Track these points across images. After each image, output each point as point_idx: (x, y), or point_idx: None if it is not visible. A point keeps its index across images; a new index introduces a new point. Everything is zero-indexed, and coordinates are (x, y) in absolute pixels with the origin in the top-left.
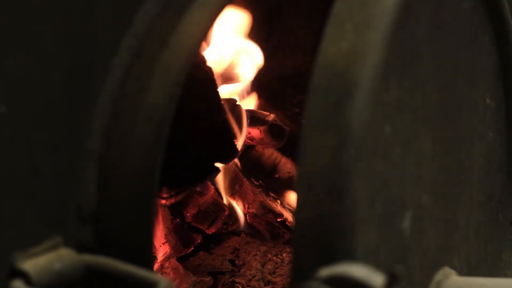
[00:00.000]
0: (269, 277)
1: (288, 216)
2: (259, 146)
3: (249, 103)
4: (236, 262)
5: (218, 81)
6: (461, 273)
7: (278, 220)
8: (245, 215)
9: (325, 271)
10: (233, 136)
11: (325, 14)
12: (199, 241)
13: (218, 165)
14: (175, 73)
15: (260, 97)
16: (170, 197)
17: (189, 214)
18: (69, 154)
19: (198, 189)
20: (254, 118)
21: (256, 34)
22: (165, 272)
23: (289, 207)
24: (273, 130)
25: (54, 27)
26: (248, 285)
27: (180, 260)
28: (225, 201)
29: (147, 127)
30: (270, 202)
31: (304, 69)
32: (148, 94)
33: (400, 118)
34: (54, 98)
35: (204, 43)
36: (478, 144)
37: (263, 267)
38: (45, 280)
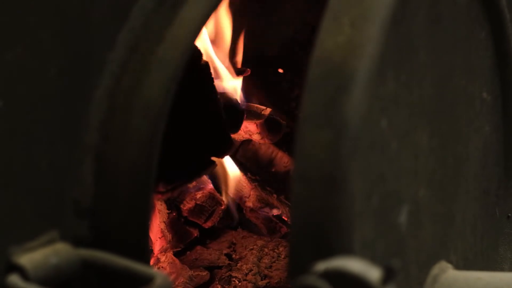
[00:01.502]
0: (266, 271)
1: (285, 210)
2: (255, 140)
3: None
4: (233, 256)
5: (213, 75)
6: (458, 267)
7: (275, 214)
8: (241, 209)
9: (322, 265)
10: (229, 130)
11: (322, 7)
12: (195, 235)
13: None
14: (171, 68)
15: (256, 91)
16: (167, 191)
17: (185, 208)
18: (66, 148)
19: (194, 183)
20: (250, 112)
21: (251, 28)
22: (162, 267)
23: (285, 201)
24: (269, 124)
25: (51, 22)
26: (245, 279)
27: (177, 254)
28: (223, 196)
29: (144, 121)
30: (266, 196)
31: (301, 62)
32: (144, 88)
33: (397, 112)
34: (51, 93)
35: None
36: (475, 138)
37: (259, 262)
38: (42, 275)
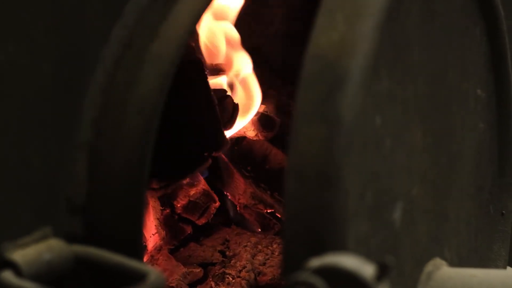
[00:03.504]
0: (260, 268)
1: (279, 207)
2: (249, 137)
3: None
4: (227, 253)
5: (208, 72)
6: (452, 264)
7: (269, 211)
8: (235, 206)
9: (316, 262)
10: (222, 127)
11: (316, 3)
12: (189, 232)
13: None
14: (165, 64)
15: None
16: (160, 188)
17: (179, 205)
18: (59, 145)
19: (188, 180)
20: None
21: (244, 24)
22: (156, 263)
23: (279, 198)
24: (263, 121)
25: (44, 18)
26: (239, 276)
27: (171, 251)
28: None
29: (137, 118)
30: (260, 193)
31: (295, 59)
32: (138, 85)
33: (391, 109)
34: (44, 89)
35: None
36: (469, 136)
37: (253, 258)
38: (35, 271)
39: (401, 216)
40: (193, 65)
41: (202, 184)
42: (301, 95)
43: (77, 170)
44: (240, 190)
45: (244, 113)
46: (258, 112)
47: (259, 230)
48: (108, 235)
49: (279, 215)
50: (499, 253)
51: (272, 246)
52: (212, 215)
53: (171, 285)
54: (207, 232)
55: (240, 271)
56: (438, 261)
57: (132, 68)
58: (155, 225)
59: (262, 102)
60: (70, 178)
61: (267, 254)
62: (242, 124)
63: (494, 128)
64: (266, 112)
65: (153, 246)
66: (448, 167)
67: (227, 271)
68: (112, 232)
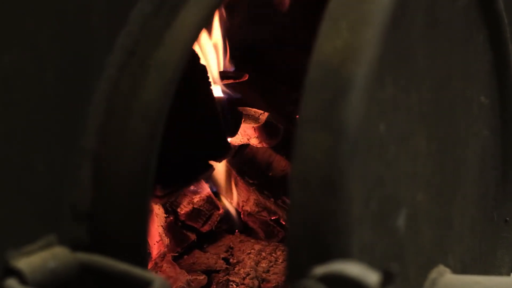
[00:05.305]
0: (264, 275)
1: (283, 214)
2: (253, 144)
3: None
4: (231, 260)
5: (211, 79)
6: (456, 271)
7: (273, 218)
8: (239, 213)
9: (320, 269)
10: (226, 134)
11: (321, 11)
12: (193, 239)
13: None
14: (169, 71)
15: (254, 95)
16: (165, 195)
17: (183, 212)
18: (63, 152)
19: (192, 187)
20: (248, 116)
21: (250, 33)
22: (160, 271)
23: (283, 205)
24: (267, 128)
25: (49, 25)
26: (242, 283)
27: (175, 258)
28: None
29: (142, 125)
30: (264, 200)
31: (299, 66)
32: (143, 92)
33: (395, 116)
34: (49, 96)
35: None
36: (473, 142)
37: (257, 266)
38: (39, 279)
39: (405, 223)
40: (197, 73)
41: (206, 192)
42: (306, 102)
43: (81, 177)
44: (243, 198)
45: None
46: (262, 119)
47: (263, 237)
48: (113, 242)
49: (283, 222)
50: (503, 260)
51: (276, 253)
52: (216, 222)
53: None
54: (211, 239)
55: (244, 278)
56: (442, 268)
57: (136, 75)
58: (159, 233)
59: (266, 109)
60: (74, 185)
61: (271, 261)
62: None
63: (498, 135)
64: (270, 119)
65: (157, 253)
66: (452, 173)
67: (231, 278)
68: (116, 239)
